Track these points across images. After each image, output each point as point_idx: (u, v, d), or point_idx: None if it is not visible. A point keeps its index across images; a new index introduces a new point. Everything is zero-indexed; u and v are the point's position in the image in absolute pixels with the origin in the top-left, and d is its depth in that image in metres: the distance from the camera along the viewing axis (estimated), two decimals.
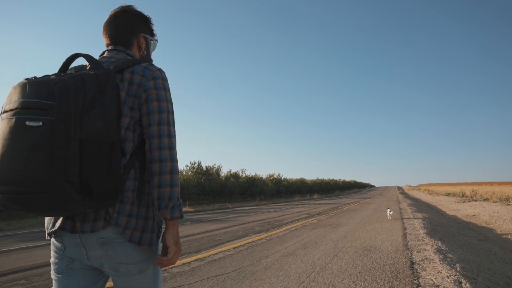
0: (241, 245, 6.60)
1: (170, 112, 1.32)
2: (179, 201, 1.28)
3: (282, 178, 49.51)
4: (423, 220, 10.22)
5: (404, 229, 8.43)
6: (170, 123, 1.30)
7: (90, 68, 1.25)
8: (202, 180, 32.95)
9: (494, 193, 25.43)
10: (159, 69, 1.35)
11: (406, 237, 6.94)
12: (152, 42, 1.58)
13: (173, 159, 1.27)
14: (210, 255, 5.66)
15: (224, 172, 37.94)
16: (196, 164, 34.05)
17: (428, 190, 58.94)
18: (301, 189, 54.58)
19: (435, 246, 5.60)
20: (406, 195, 42.51)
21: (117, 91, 1.22)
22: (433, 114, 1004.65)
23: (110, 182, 1.16)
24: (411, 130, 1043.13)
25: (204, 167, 34.53)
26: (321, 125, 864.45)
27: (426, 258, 4.83)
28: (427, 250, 5.41)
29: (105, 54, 1.44)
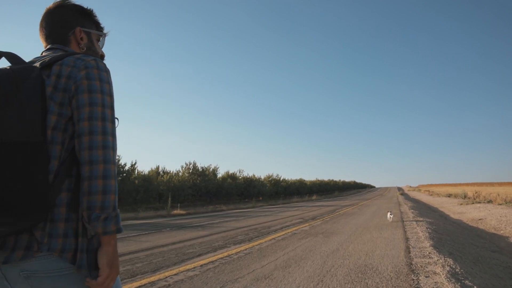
0: (211, 262, 5.41)
1: (107, 106, 1.10)
2: (115, 212, 1.05)
3: (281, 179, 48.31)
4: (427, 227, 9.02)
5: (407, 239, 7.22)
6: (106, 119, 1.08)
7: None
8: (198, 181, 31.79)
9: (498, 194, 24.18)
10: (95, 59, 1.14)
11: (409, 252, 5.74)
12: (100, 37, 1.38)
13: (107, 161, 1.05)
14: (167, 277, 4.49)
15: (221, 172, 36.86)
16: (191, 165, 32.90)
17: (429, 191, 57.61)
18: (300, 190, 53.31)
19: (447, 268, 4.39)
20: (407, 196, 41.26)
21: (40, 86, 1.04)
22: (433, 114, 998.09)
23: (32, 194, 0.95)
24: (411, 130, 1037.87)
25: (199, 168, 33.39)
26: (321, 125, 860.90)
27: None
28: (437, 273, 4.20)
29: (42, 54, 1.24)
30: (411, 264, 4.85)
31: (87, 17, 1.33)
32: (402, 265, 4.79)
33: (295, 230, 9.54)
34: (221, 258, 5.73)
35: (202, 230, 9.95)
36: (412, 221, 11.22)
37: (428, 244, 6.26)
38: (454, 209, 20.10)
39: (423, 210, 18.70)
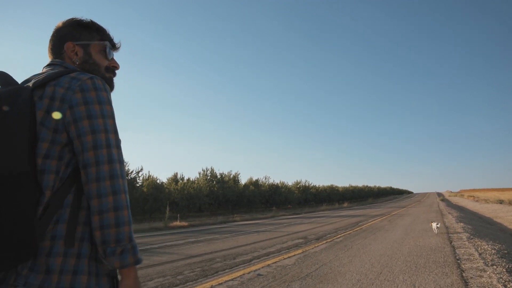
0: None
1: (110, 131, 0.94)
2: (131, 243, 0.90)
3: (310, 186, 43.61)
4: (504, 268, 4.60)
5: None
6: (111, 145, 0.93)
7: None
8: (215, 189, 28.07)
9: None
10: (91, 77, 0.97)
11: None
12: (105, 47, 1.15)
13: (117, 191, 0.90)
14: None
15: (244, 179, 33.04)
16: (208, 171, 29.36)
17: (473, 196, 50.17)
18: (332, 196, 48.13)
19: None
20: (449, 203, 35.17)
21: (30, 110, 0.90)
22: (472, 114, 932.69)
23: (14, 230, 0.82)
24: (451, 132, 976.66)
25: (218, 174, 29.78)
26: (356, 131, 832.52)
27: None
28: None
29: (42, 70, 1.09)
30: None
31: (85, 30, 1.14)
32: None
33: (269, 264, 5.41)
34: None
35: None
36: (467, 245, 6.74)
37: None
38: None
39: (475, 222, 13.73)
